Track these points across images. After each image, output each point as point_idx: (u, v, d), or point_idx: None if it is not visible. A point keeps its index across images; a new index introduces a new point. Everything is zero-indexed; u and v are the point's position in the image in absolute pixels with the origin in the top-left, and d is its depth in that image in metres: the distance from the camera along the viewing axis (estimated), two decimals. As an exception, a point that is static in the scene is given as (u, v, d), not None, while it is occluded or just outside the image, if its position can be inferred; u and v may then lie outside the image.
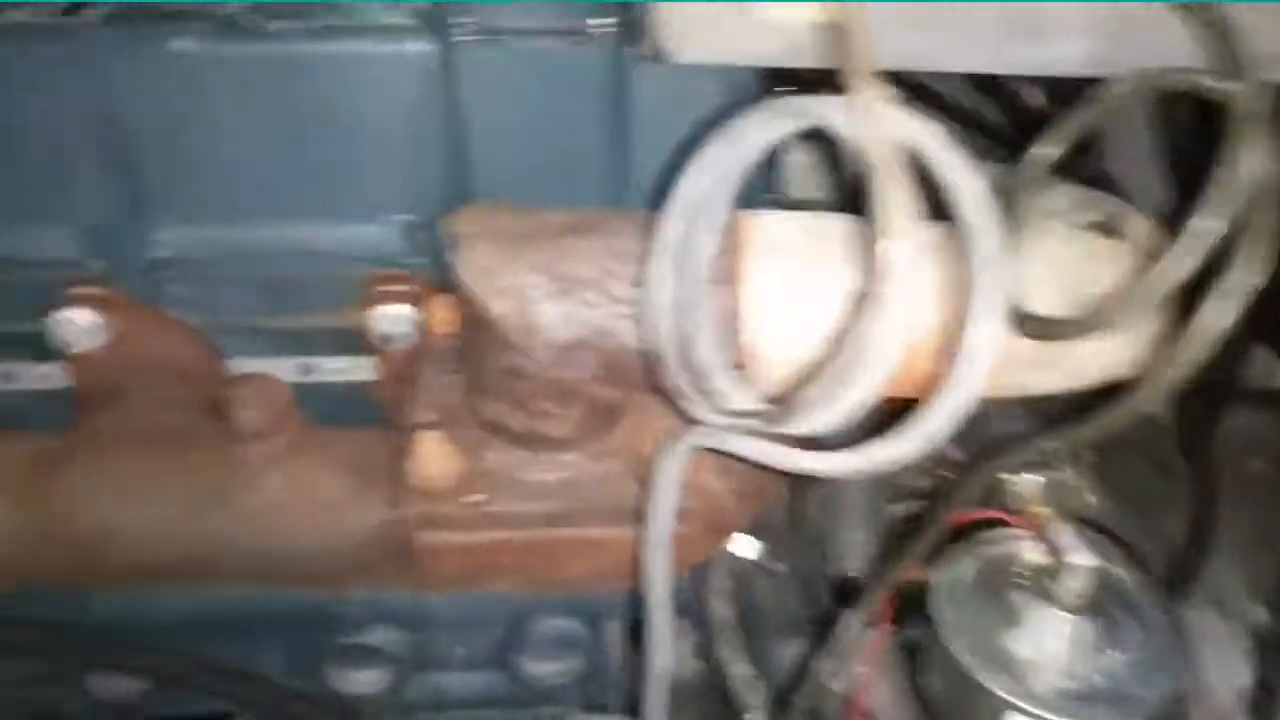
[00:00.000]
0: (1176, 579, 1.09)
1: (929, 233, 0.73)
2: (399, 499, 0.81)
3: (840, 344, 0.51)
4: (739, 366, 0.79)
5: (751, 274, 0.79)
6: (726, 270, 0.78)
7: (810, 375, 0.54)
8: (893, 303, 0.49)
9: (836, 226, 0.78)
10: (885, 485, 0.99)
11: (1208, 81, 0.59)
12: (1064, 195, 0.97)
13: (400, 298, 0.96)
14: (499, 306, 0.75)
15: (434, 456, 0.78)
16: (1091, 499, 1.22)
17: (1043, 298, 0.80)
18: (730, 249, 0.78)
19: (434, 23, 0.91)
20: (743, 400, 0.62)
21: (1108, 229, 0.87)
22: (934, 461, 1.13)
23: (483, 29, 0.90)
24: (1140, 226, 0.86)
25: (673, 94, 0.88)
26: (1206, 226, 0.56)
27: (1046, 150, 0.70)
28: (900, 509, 1.07)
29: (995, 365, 0.79)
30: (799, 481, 1.00)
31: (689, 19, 0.67)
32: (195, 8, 0.90)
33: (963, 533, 0.93)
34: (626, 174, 0.97)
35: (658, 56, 0.70)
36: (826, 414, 0.55)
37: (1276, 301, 0.94)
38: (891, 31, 0.69)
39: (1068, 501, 1.18)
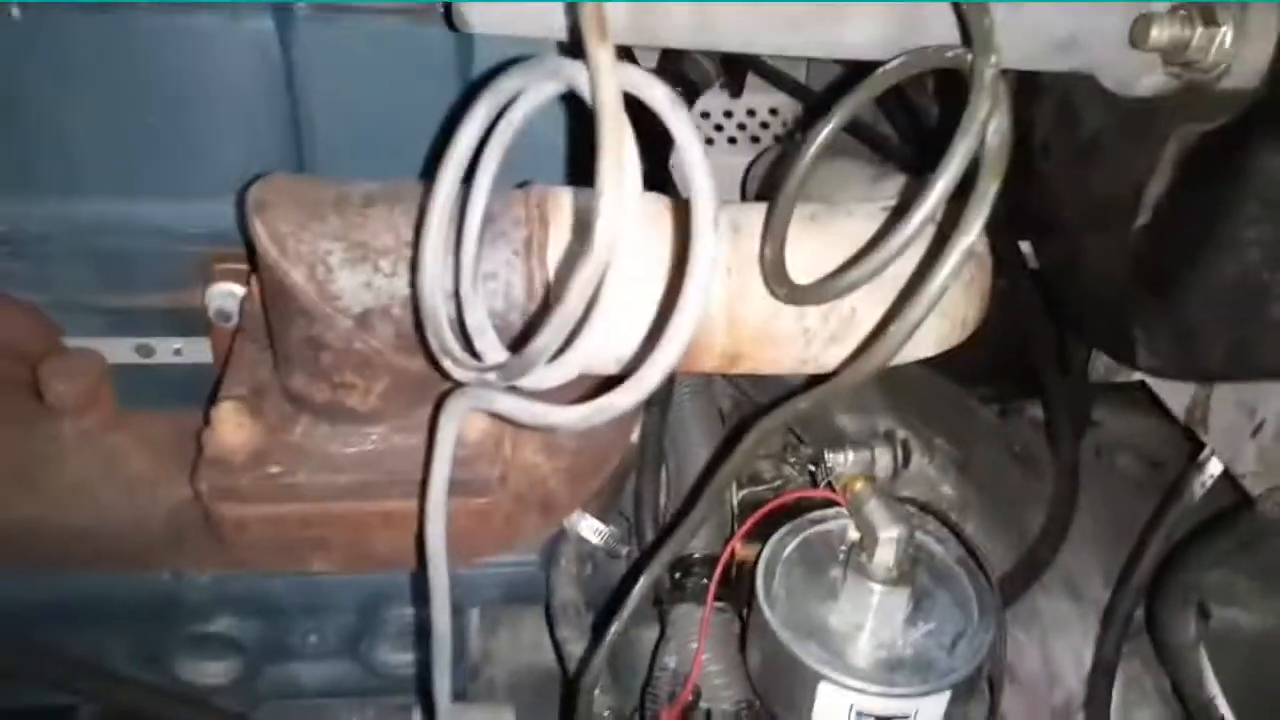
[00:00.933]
0: (1032, 565, 1.12)
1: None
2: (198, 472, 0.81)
3: (560, 298, 0.52)
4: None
5: (559, 244, 0.80)
6: (528, 241, 0.79)
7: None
8: (611, 267, 0.50)
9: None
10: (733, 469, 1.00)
11: (951, 55, 0.61)
12: (898, 185, 1.00)
13: (235, 276, 0.95)
14: (296, 275, 0.75)
15: (230, 427, 0.78)
16: (947, 490, 1.25)
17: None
18: (535, 219, 0.79)
19: (274, -3, 0.92)
20: (498, 356, 0.62)
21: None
22: (784, 450, 1.15)
23: (322, 5, 0.91)
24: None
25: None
26: (939, 189, 0.57)
27: (827, 129, 0.72)
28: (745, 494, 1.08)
29: (789, 341, 0.82)
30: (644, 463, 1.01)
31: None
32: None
33: (797, 512, 0.95)
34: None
35: (455, 25, 0.71)
36: (563, 369, 0.55)
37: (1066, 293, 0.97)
38: (692, 12, 0.71)
39: (921, 490, 1.21)
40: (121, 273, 0.96)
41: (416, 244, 0.64)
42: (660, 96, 0.54)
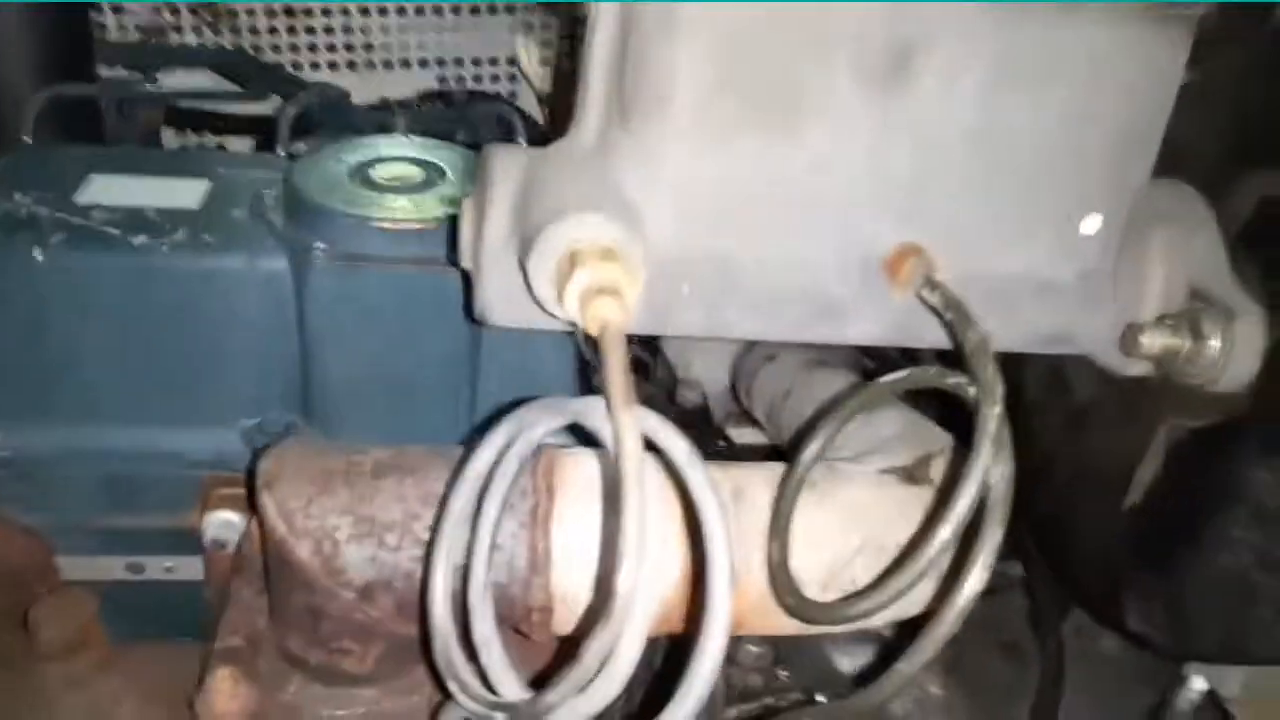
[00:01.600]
0: None
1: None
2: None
3: (580, 649, 0.53)
4: (544, 611, 0.81)
5: (564, 514, 0.81)
6: (534, 511, 0.80)
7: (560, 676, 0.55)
8: (632, 629, 0.51)
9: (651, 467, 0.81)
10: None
11: (952, 383, 0.64)
12: (893, 423, 1.02)
13: (234, 503, 0.96)
14: (302, 550, 0.76)
15: (224, 697, 0.77)
16: (935, 690, 1.25)
17: (837, 543, 0.84)
18: (541, 489, 0.81)
19: (292, 242, 0.95)
20: (508, 685, 0.63)
21: (912, 473, 0.91)
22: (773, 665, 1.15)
23: (340, 253, 0.94)
24: (943, 469, 0.91)
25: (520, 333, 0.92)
26: (943, 536, 0.59)
27: (821, 440, 0.75)
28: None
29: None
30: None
31: (497, 290, 0.70)
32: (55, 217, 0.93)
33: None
34: (472, 405, 1.00)
35: (481, 319, 0.74)
36: (570, 716, 0.56)
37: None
38: (705, 305, 0.74)
39: (910, 692, 1.20)
40: (123, 496, 0.97)
41: (426, 569, 0.65)
42: (679, 450, 0.56)
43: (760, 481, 0.85)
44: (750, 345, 1.52)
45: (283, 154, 1.28)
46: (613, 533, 0.62)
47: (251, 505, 0.92)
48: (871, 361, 1.34)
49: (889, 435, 1.00)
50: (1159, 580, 0.82)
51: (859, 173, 0.70)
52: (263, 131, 1.60)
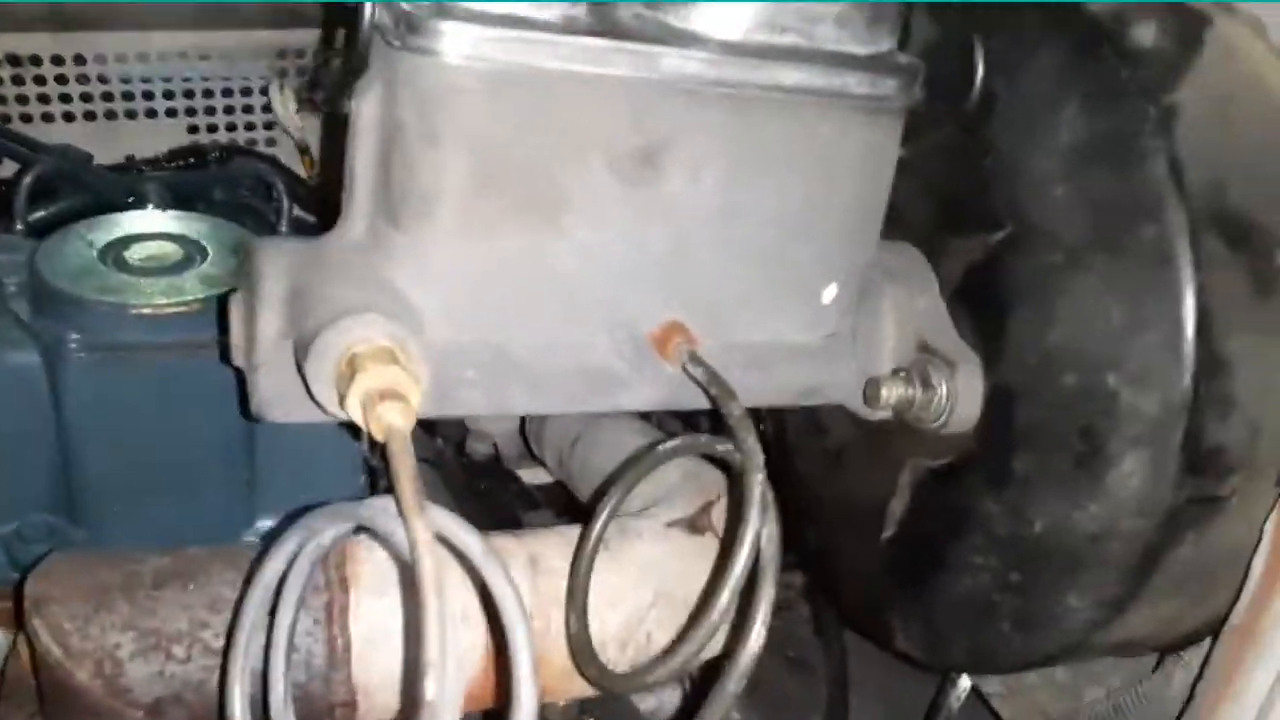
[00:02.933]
0: None
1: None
2: None
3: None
4: (347, 707, 0.81)
5: (360, 605, 0.81)
6: (328, 606, 0.80)
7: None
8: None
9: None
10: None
11: (722, 451, 0.70)
12: (676, 471, 1.07)
13: (-1, 618, 0.90)
14: (81, 674, 0.73)
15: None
16: (737, 716, 1.32)
17: (632, 599, 0.89)
18: (335, 582, 0.81)
19: (42, 334, 0.90)
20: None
21: (694, 523, 0.97)
22: None
23: (96, 344, 0.90)
24: (722, 514, 0.97)
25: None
26: (722, 602, 0.64)
27: (605, 515, 0.80)
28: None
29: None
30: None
31: (274, 389, 0.70)
32: None
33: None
34: (251, 493, 0.98)
35: (258, 416, 0.73)
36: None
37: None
38: (487, 388, 0.77)
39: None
40: None
41: (223, 680, 0.65)
42: (475, 549, 0.58)
43: (554, 547, 0.88)
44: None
45: (20, 227, 1.20)
46: (414, 627, 0.63)
47: (17, 620, 0.86)
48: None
49: (671, 485, 1.06)
50: (915, 604, 0.91)
51: (620, 258, 0.75)
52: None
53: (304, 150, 1.69)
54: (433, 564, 0.54)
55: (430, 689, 0.52)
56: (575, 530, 0.89)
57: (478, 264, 0.72)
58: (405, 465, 0.57)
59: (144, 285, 0.95)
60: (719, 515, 0.97)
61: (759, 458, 0.67)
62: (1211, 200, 0.71)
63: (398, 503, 0.56)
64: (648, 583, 0.89)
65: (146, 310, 0.92)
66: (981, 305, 0.83)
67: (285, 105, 1.66)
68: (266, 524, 1.00)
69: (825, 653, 1.28)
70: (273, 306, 0.70)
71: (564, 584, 0.84)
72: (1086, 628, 0.78)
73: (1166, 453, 0.71)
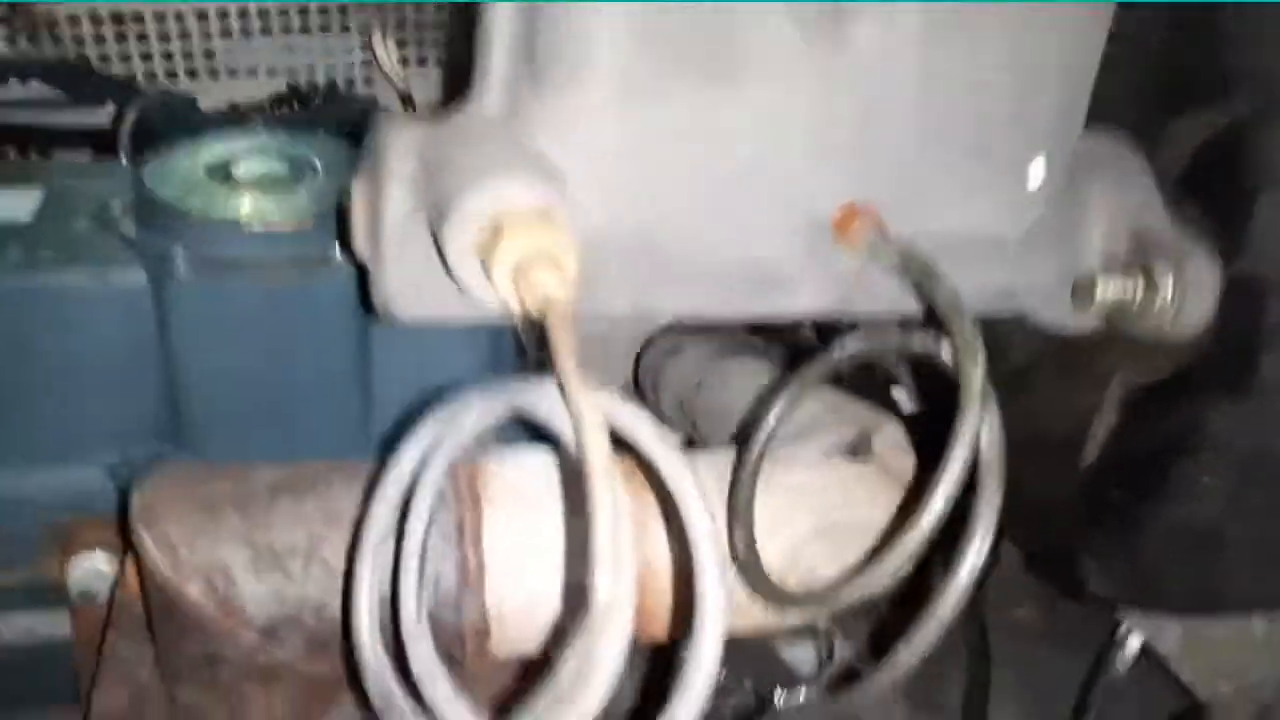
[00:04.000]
0: None
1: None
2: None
3: (554, 666, 0.45)
4: (480, 634, 0.72)
5: (495, 525, 0.73)
6: (460, 525, 0.71)
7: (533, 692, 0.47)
8: (611, 641, 0.43)
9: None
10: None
11: (920, 343, 0.59)
12: (818, 403, 0.97)
13: (101, 547, 0.85)
14: (191, 589, 0.65)
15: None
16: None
17: (790, 527, 0.79)
18: (466, 499, 0.72)
19: (148, 252, 0.84)
20: (463, 717, 0.54)
21: (856, 449, 0.87)
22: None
23: (204, 260, 0.83)
24: (889, 440, 0.86)
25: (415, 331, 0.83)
26: (937, 506, 0.54)
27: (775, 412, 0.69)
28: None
29: (748, 607, 0.77)
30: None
31: (403, 277, 0.61)
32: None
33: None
34: (366, 421, 0.90)
35: (384, 315, 0.64)
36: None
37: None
38: (634, 285, 0.67)
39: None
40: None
41: (347, 598, 0.56)
42: (647, 435, 0.49)
43: (709, 468, 0.79)
44: (651, 341, 1.46)
45: (125, 163, 1.15)
46: (579, 536, 0.55)
47: (124, 546, 0.81)
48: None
49: (820, 415, 0.95)
50: (1122, 537, 0.78)
51: (800, 128, 0.64)
52: (99, 145, 1.45)
53: (406, 99, 1.64)
54: (602, 448, 0.44)
55: (602, 587, 0.42)
56: (724, 453, 0.79)
57: (637, 133, 0.61)
58: (566, 339, 0.48)
59: (253, 200, 0.88)
60: (881, 444, 0.86)
61: (979, 346, 0.56)
62: None
63: (559, 380, 0.47)
64: (808, 510, 0.79)
65: (256, 225, 0.85)
66: (1215, 190, 0.70)
67: (388, 55, 1.61)
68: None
69: (964, 622, 1.18)
70: (401, 182, 0.61)
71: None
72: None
73: None
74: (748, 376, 1.10)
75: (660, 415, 1.34)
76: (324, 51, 1.63)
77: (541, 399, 0.50)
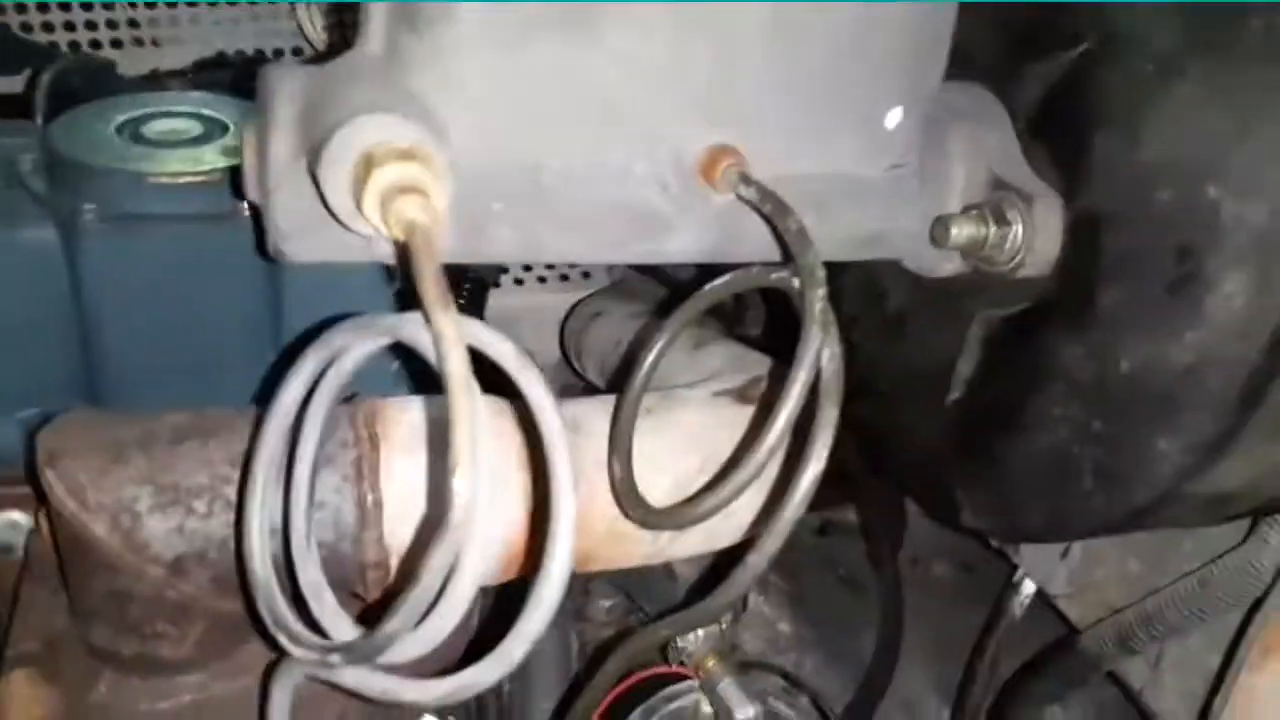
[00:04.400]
0: (870, 694, 1.14)
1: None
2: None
3: (417, 569, 0.49)
4: (379, 567, 0.76)
5: (392, 463, 0.76)
6: (358, 463, 0.75)
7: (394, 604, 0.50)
8: (473, 542, 0.47)
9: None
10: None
11: (776, 278, 0.63)
12: (719, 355, 1.02)
13: (16, 503, 0.87)
14: (97, 527, 0.68)
15: (22, 702, 0.69)
16: (784, 627, 1.28)
17: (679, 463, 0.83)
18: (364, 438, 0.76)
19: (57, 207, 0.86)
20: (342, 626, 0.58)
21: (744, 393, 0.91)
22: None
23: (114, 214, 0.86)
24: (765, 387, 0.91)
25: (324, 279, 0.86)
26: (781, 422, 0.58)
27: (652, 355, 0.74)
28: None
29: (636, 540, 0.81)
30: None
31: (290, 217, 0.65)
32: None
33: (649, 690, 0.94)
34: (277, 356, 0.93)
35: (277, 257, 0.68)
36: (413, 646, 0.52)
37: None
38: (518, 223, 0.71)
39: (761, 631, 1.23)
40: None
41: (240, 518, 0.60)
42: (508, 353, 0.53)
43: (596, 411, 0.83)
44: (574, 308, 1.50)
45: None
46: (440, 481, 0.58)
47: (37, 499, 0.83)
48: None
49: (718, 365, 1.00)
50: (985, 470, 0.84)
51: (662, 73, 0.68)
52: (13, 112, 1.45)
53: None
54: (460, 358, 0.48)
55: (460, 489, 0.46)
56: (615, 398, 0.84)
57: (506, 73, 0.65)
58: (428, 262, 0.52)
59: (162, 156, 0.90)
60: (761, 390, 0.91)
61: (819, 273, 0.61)
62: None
63: (422, 301, 0.51)
64: (695, 448, 0.84)
65: (164, 179, 0.87)
66: (1061, 131, 0.75)
67: (312, 22, 1.62)
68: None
69: (877, 572, 1.23)
70: (286, 125, 0.65)
71: (603, 448, 0.78)
72: (1177, 475, 0.71)
73: (1273, 267, 0.63)
74: (631, 323, 1.15)
75: (585, 379, 1.38)
76: (252, 19, 1.63)
77: (416, 328, 0.54)
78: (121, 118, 0.96)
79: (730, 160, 0.69)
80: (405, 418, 0.78)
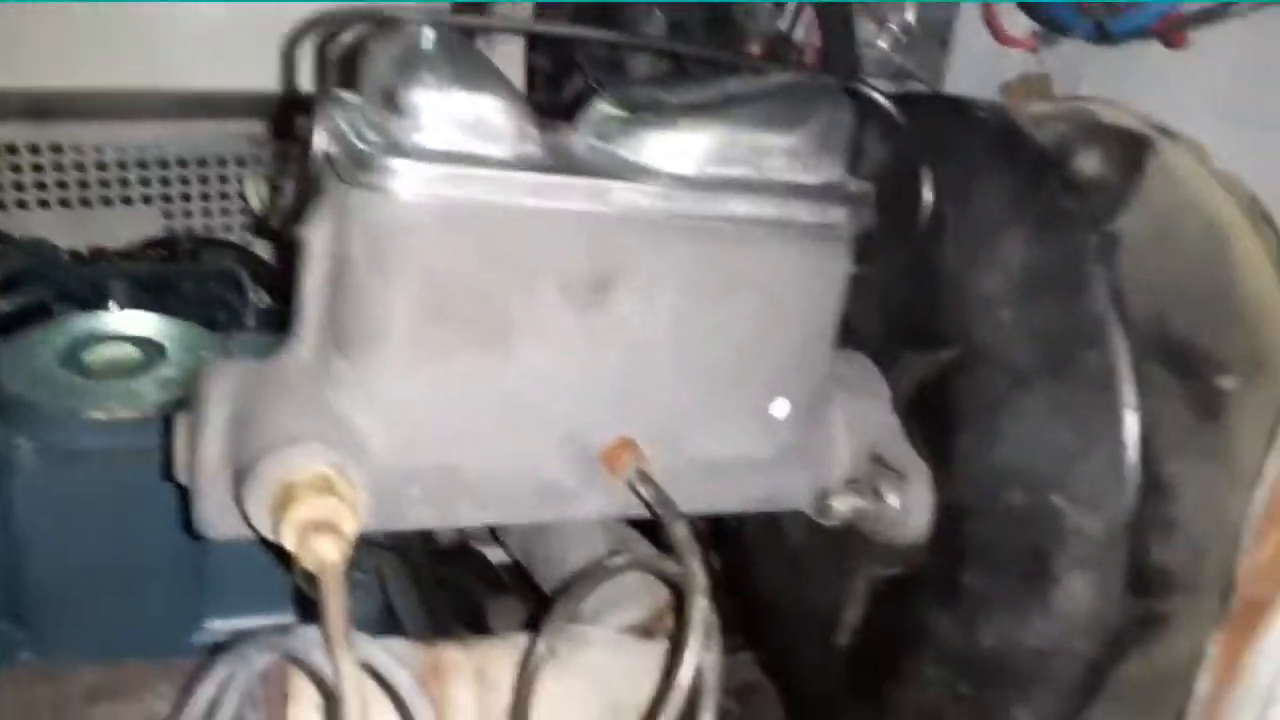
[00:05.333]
0: None
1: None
2: None
3: None
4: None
5: (300, 720, 0.80)
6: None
7: None
8: None
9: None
10: None
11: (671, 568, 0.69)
12: (620, 583, 1.06)
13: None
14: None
15: None
16: None
17: (581, 707, 0.88)
18: (276, 699, 0.79)
19: (-2, 434, 0.90)
20: None
21: (647, 628, 0.96)
22: None
23: (50, 450, 0.90)
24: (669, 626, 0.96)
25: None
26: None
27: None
28: None
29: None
30: None
31: (216, 508, 0.70)
32: None
33: None
34: (202, 592, 0.97)
35: (199, 532, 0.73)
36: None
37: None
38: (436, 505, 0.76)
39: None
40: None
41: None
42: (404, 683, 0.58)
43: (503, 659, 0.87)
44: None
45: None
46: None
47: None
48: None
49: (628, 587, 1.05)
50: (867, 711, 0.90)
51: (570, 379, 0.75)
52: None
53: (275, 233, 1.70)
54: (357, 703, 0.53)
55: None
56: (524, 640, 0.88)
57: (426, 389, 0.72)
58: (335, 599, 0.57)
59: (99, 390, 0.95)
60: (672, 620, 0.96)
61: (702, 582, 0.67)
62: (1153, 326, 0.72)
63: (326, 637, 0.56)
64: (596, 692, 0.88)
65: (100, 416, 0.92)
66: (932, 421, 0.83)
67: (258, 193, 1.68)
68: (216, 624, 0.99)
69: None
70: (216, 429, 0.70)
71: (508, 698, 0.83)
72: (1036, 747, 0.77)
73: (1111, 573, 0.71)
74: (581, 526, 1.19)
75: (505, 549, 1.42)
76: (201, 184, 1.69)
77: (314, 650, 0.59)
78: (65, 343, 1.01)
79: (630, 454, 0.76)
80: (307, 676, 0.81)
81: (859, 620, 0.91)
